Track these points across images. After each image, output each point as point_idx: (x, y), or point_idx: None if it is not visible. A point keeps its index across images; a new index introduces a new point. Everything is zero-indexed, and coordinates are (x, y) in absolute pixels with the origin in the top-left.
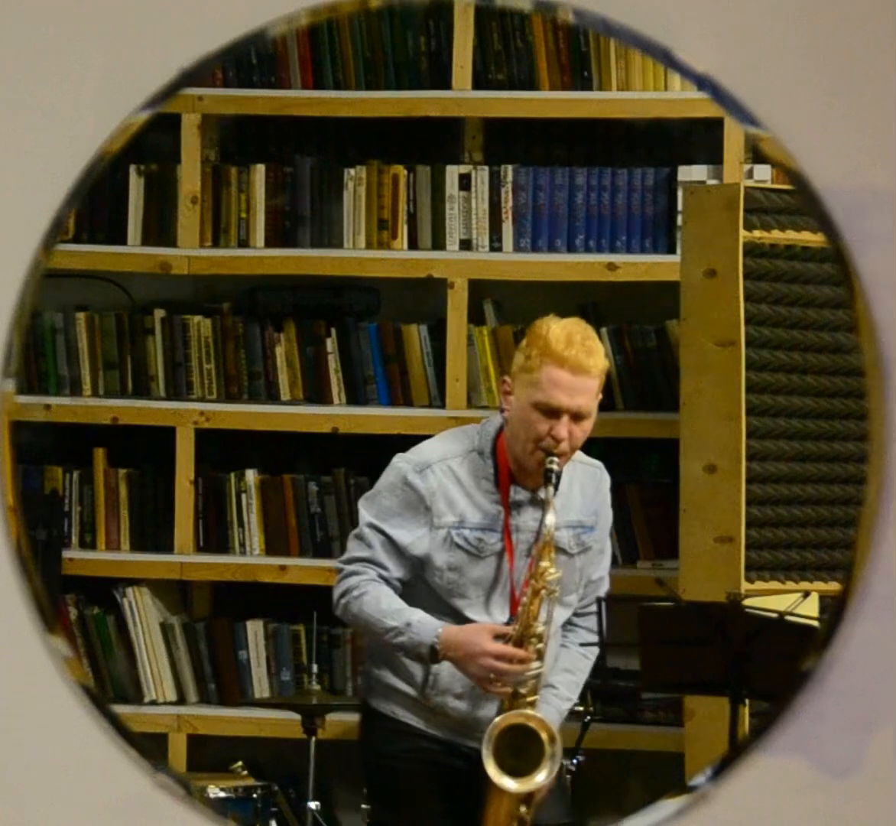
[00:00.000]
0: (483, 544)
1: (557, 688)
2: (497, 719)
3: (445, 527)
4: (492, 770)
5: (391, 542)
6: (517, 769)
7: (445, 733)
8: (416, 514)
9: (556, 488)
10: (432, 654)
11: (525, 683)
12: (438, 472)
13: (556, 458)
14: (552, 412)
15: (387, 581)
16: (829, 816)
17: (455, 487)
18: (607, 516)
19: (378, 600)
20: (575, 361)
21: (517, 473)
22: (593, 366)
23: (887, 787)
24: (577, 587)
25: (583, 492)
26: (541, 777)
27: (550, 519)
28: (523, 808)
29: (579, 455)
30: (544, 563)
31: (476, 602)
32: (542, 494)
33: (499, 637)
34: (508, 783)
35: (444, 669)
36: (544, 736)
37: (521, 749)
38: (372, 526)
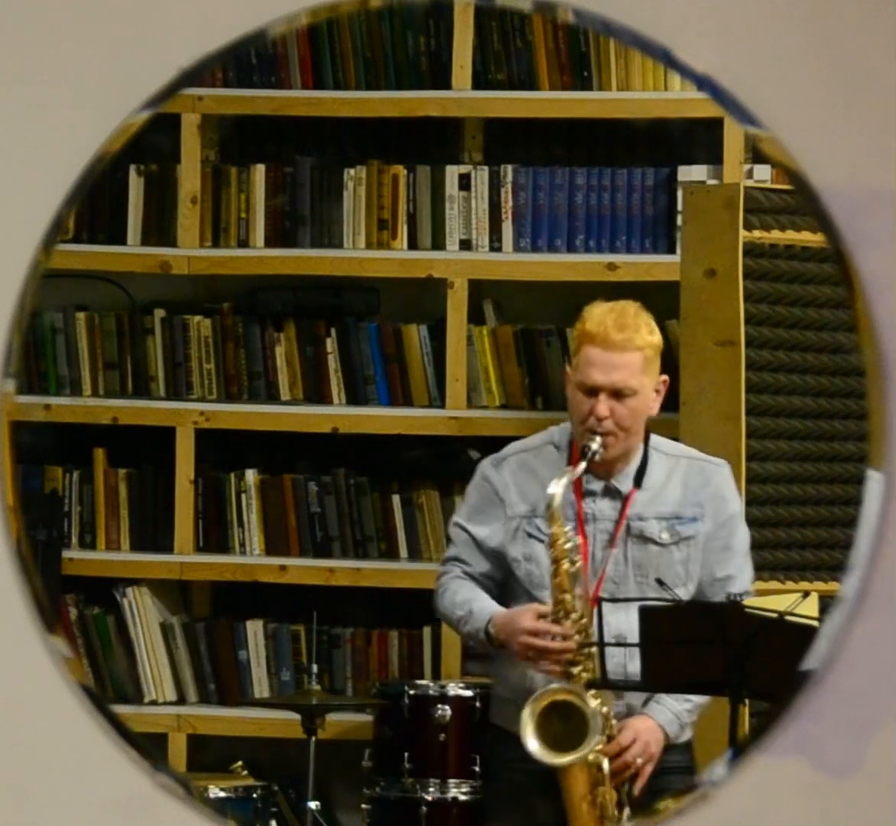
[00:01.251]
0: None
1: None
2: (530, 703)
3: (517, 517)
4: (535, 746)
5: (471, 538)
6: (571, 746)
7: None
8: (493, 507)
9: (637, 473)
10: (489, 639)
11: (577, 662)
12: (512, 464)
13: (596, 437)
14: (591, 391)
15: (471, 576)
16: (829, 816)
17: (529, 478)
18: (725, 512)
19: (454, 593)
20: (604, 336)
21: (590, 463)
22: (625, 340)
23: (887, 787)
24: (683, 581)
25: (685, 484)
26: (591, 744)
27: (555, 488)
28: (601, 789)
29: (691, 451)
30: (555, 529)
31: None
32: (615, 483)
33: (543, 616)
34: (549, 758)
35: (539, 675)
36: (578, 702)
37: (571, 728)
38: (456, 524)
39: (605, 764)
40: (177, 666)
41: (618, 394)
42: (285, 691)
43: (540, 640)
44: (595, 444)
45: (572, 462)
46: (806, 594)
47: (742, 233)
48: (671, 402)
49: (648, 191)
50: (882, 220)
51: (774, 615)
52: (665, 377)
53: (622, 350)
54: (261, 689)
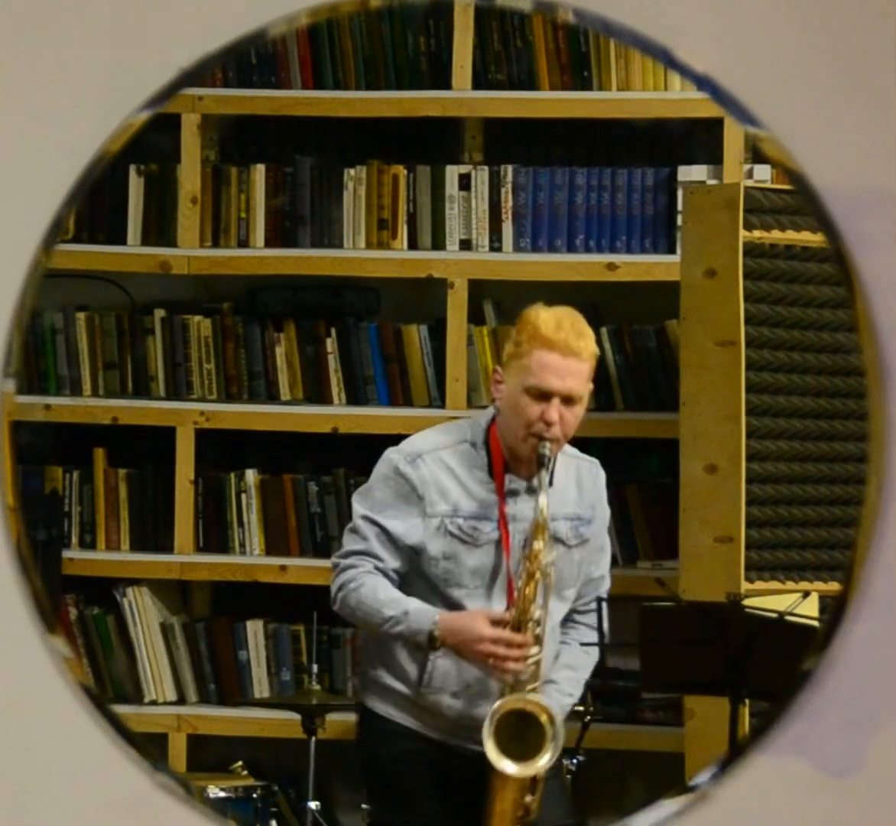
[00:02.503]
0: (478, 533)
1: (559, 683)
2: (497, 703)
3: (439, 516)
4: (492, 753)
5: (385, 533)
6: (520, 754)
7: (441, 734)
8: (408, 503)
9: (550, 473)
10: (431, 642)
11: (526, 670)
12: (430, 462)
13: (548, 443)
14: (543, 395)
15: (383, 572)
16: (829, 816)
17: (447, 477)
18: (604, 513)
19: (375, 591)
20: (564, 344)
21: (511, 463)
22: (583, 348)
23: (887, 787)
24: (575, 582)
25: (579, 485)
26: (543, 760)
27: (543, 500)
28: (529, 798)
29: (575, 451)
30: (537, 545)
31: (475, 592)
32: (536, 483)
33: (496, 623)
34: (509, 767)
35: (440, 667)
36: (544, 718)
37: (522, 735)
38: (366, 518)
39: (541, 773)
40: (177, 666)
41: (568, 400)
42: (285, 691)
43: (502, 648)
44: (547, 450)
45: (493, 461)
46: (806, 594)
47: (742, 233)
48: (671, 401)
49: (648, 191)
50: (882, 220)
51: (774, 615)
52: (591, 385)
53: (578, 358)
54: (261, 689)
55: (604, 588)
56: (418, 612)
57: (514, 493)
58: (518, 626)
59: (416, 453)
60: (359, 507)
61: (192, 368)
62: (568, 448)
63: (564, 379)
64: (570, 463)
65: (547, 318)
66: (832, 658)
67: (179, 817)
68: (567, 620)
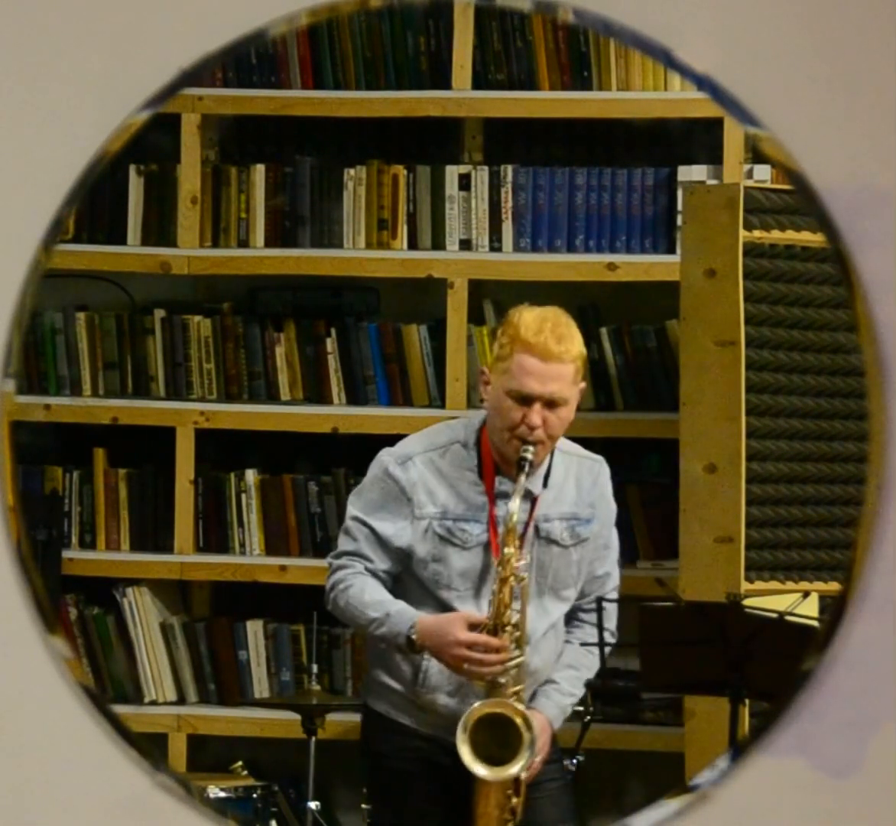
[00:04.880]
0: (467, 535)
1: (559, 683)
2: (472, 707)
3: (427, 518)
4: (467, 758)
5: (375, 535)
6: (499, 758)
7: (437, 731)
8: (398, 505)
9: (545, 474)
10: (410, 644)
11: (505, 673)
12: (419, 464)
13: (530, 447)
14: (524, 399)
15: (373, 573)
16: (829, 816)
17: (437, 479)
18: (608, 510)
19: (362, 592)
20: (544, 348)
21: (501, 464)
22: (564, 352)
23: (887, 787)
24: (574, 581)
25: (578, 485)
26: (515, 768)
27: (514, 505)
28: (514, 800)
29: (578, 449)
30: (508, 550)
31: (465, 594)
32: (527, 484)
33: (474, 626)
34: (481, 771)
35: (434, 666)
36: (519, 722)
37: (503, 739)
38: (356, 519)
39: (523, 775)
40: (177, 666)
41: (551, 403)
42: (285, 691)
43: (477, 653)
44: (529, 454)
45: (483, 462)
46: (806, 594)
47: (742, 233)
48: (671, 401)
49: (648, 191)
50: (882, 220)
51: (774, 615)
52: (583, 385)
53: (560, 361)
54: (261, 689)
55: (610, 585)
56: (399, 615)
57: (504, 495)
58: (495, 631)
59: (407, 455)
60: (351, 507)
61: (192, 368)
62: (570, 446)
63: (545, 383)
64: (570, 461)
65: (528, 320)
66: (832, 658)
67: (179, 817)
68: (571, 619)
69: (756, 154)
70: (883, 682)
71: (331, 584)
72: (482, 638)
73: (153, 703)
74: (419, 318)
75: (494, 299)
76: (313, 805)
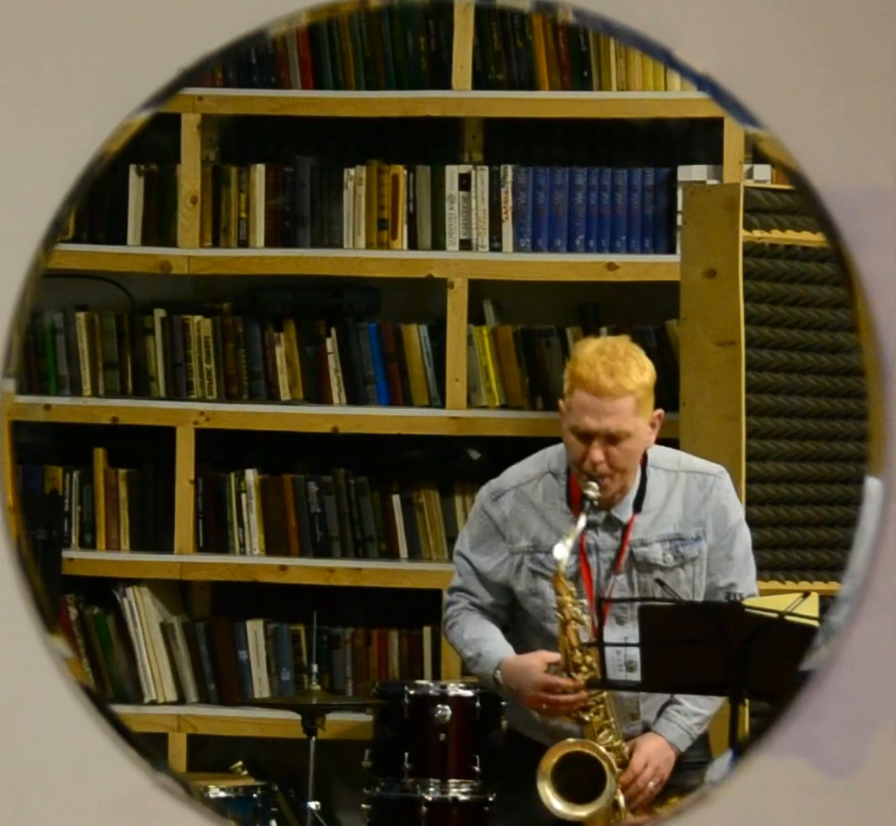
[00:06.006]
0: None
1: (681, 703)
2: (553, 748)
3: (520, 552)
4: (544, 792)
5: (475, 570)
6: (584, 795)
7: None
8: (495, 541)
9: (636, 499)
10: (497, 685)
11: (590, 710)
12: (511, 499)
13: (593, 483)
14: (584, 436)
15: (480, 608)
16: (829, 816)
17: (528, 511)
18: (726, 523)
19: (463, 630)
20: (595, 384)
21: (591, 511)
22: (616, 386)
23: (887, 787)
24: (689, 596)
25: (685, 502)
26: (590, 810)
27: (560, 553)
28: (615, 820)
29: (692, 462)
30: (562, 597)
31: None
32: (615, 513)
33: (552, 664)
34: (556, 804)
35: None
36: (605, 767)
37: (590, 778)
38: (460, 554)
39: (621, 800)
40: (177, 666)
41: (612, 438)
42: (285, 691)
43: (552, 695)
44: (592, 492)
45: (571, 492)
46: (806, 594)
47: (742, 233)
48: (671, 402)
49: (648, 191)
50: (882, 220)
51: (774, 615)
52: (660, 412)
53: (613, 397)
54: (261, 689)
55: (743, 592)
56: (488, 655)
57: (593, 525)
58: (567, 670)
59: (500, 490)
60: (458, 542)
61: (192, 368)
62: (682, 460)
63: (601, 419)
64: (675, 480)
65: (586, 353)
66: (832, 658)
67: (179, 817)
68: None
69: (756, 154)
70: (883, 682)
71: (444, 618)
72: (553, 680)
73: (153, 703)
74: (419, 318)
75: (494, 299)
76: (313, 805)
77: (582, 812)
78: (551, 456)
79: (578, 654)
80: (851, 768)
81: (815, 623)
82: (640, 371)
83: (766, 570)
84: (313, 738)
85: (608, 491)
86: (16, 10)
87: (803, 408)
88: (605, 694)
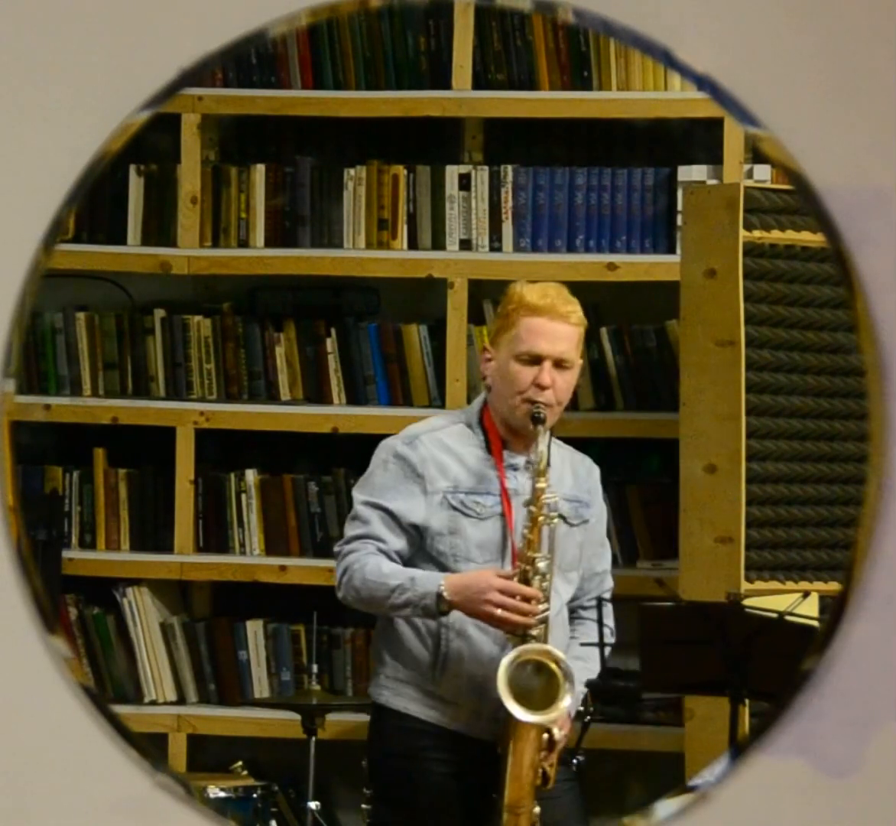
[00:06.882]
0: (481, 507)
1: (581, 659)
2: (509, 655)
3: (440, 491)
4: (510, 703)
5: (388, 514)
6: (535, 708)
7: (458, 724)
8: (410, 483)
9: (546, 451)
10: (439, 602)
11: (536, 626)
12: (427, 442)
13: (542, 406)
14: (534, 360)
15: (386, 553)
16: (829, 816)
17: (446, 455)
18: (601, 506)
19: (379, 566)
20: (551, 308)
21: (508, 439)
22: (571, 312)
23: (887, 787)
24: (577, 564)
25: (574, 473)
26: (565, 702)
27: (543, 446)
28: (547, 762)
29: (568, 446)
30: (540, 484)
31: (484, 567)
32: (534, 457)
33: (504, 578)
34: (520, 713)
35: (452, 650)
36: (553, 665)
37: (533, 691)
38: (366, 503)
39: (557, 732)
40: (177, 666)
41: (559, 364)
42: (285, 691)
43: (511, 599)
44: (542, 410)
45: (489, 439)
46: (806, 594)
47: (742, 233)
48: (671, 401)
49: (648, 191)
50: (882, 220)
51: (774, 615)
52: (581, 361)
53: (567, 321)
54: (261, 689)
55: (607, 585)
56: (424, 577)
57: (514, 468)
58: (525, 579)
59: (412, 436)
60: (358, 495)
61: (192, 368)
62: (559, 441)
63: (554, 343)
64: (563, 452)
65: (532, 288)
66: (832, 658)
67: (179, 817)
68: (574, 617)
69: (756, 154)
70: (883, 682)
71: (343, 568)
72: (515, 585)
73: (153, 703)
74: (419, 318)
75: (494, 299)
76: (313, 805)
77: (539, 718)
78: (455, 413)
79: (537, 557)
80: (851, 768)
81: (815, 623)
82: (581, 309)
83: (766, 570)
84: (313, 738)
85: (546, 423)
86: (16, 10)
87: (803, 408)
88: (550, 612)
